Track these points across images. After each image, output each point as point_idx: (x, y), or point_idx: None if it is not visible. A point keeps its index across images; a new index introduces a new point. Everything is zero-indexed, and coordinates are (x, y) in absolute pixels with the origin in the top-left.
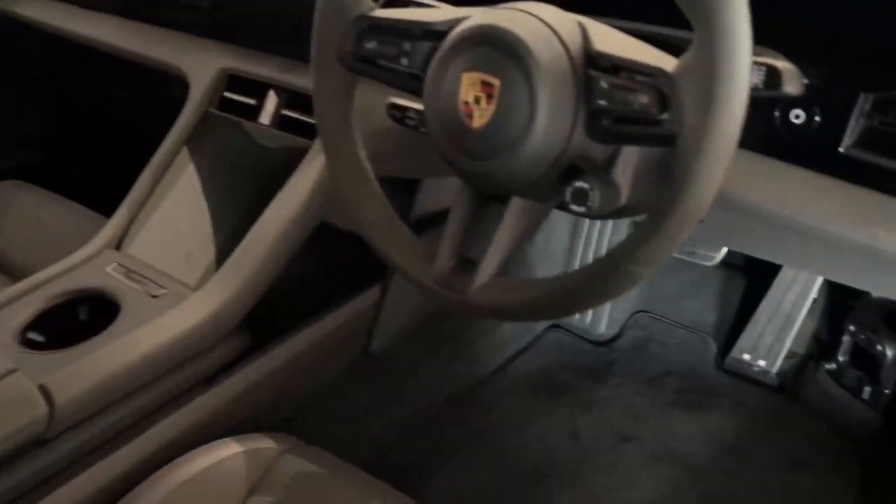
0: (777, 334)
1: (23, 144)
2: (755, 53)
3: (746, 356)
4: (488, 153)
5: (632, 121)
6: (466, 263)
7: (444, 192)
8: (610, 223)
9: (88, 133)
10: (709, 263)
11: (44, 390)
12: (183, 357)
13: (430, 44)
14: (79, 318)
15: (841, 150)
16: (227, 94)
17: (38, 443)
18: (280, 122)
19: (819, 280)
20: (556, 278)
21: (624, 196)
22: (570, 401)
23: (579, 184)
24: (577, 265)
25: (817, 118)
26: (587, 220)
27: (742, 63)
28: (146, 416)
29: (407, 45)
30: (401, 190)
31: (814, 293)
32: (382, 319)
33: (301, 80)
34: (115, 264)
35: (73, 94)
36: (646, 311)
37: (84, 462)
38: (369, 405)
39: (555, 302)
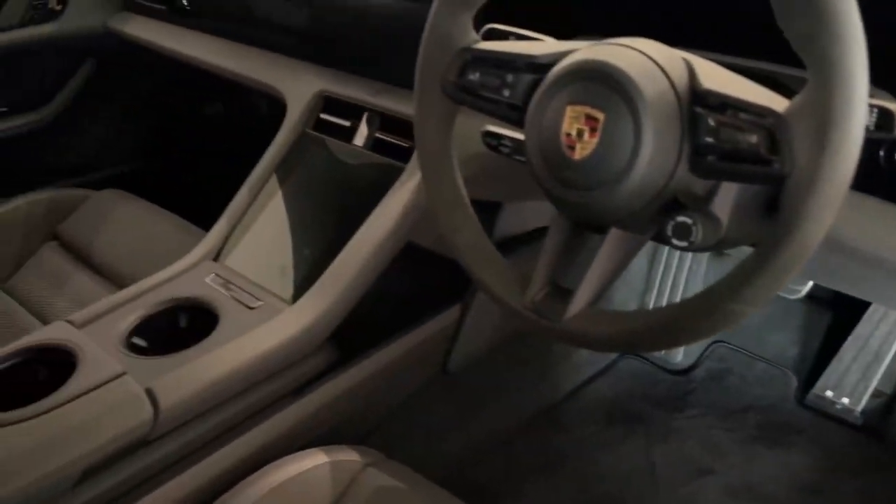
0: (863, 372)
1: (122, 156)
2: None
3: (829, 393)
4: (589, 185)
5: (739, 159)
6: (559, 291)
7: (526, 216)
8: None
9: (181, 146)
10: (793, 297)
11: (150, 394)
12: (276, 368)
13: (533, 76)
14: (179, 326)
15: None
16: (322, 116)
17: (141, 444)
18: (373, 144)
19: None
20: (655, 311)
21: (723, 230)
22: (646, 429)
23: (682, 218)
24: (655, 292)
25: None
26: (666, 247)
27: (858, 106)
28: (238, 424)
29: (510, 77)
30: (482, 213)
31: None
32: (462, 338)
33: (395, 104)
34: (213, 275)
35: (168, 109)
36: (724, 342)
37: (179, 465)
38: (447, 422)
39: (653, 336)
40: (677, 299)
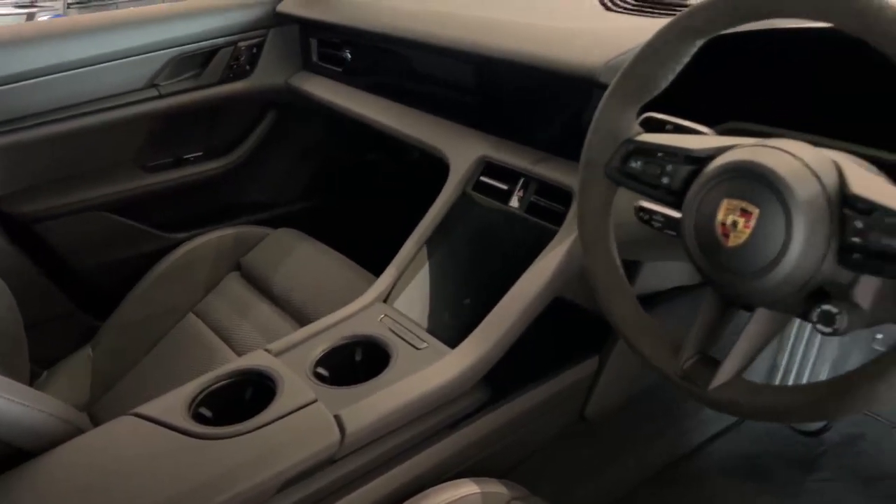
0: None
1: (292, 197)
2: None
3: None
4: (740, 270)
5: (886, 258)
6: (707, 360)
7: (664, 274)
8: None
9: (342, 189)
10: None
11: (338, 420)
12: (437, 404)
13: (691, 167)
14: (355, 359)
15: None
16: (481, 178)
17: (327, 463)
18: (528, 207)
19: None
20: (808, 388)
21: (867, 315)
22: (776, 489)
23: (827, 307)
24: (786, 358)
25: None
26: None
27: None
28: (403, 451)
29: (669, 167)
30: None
31: None
32: (599, 389)
33: (551, 172)
34: (384, 315)
35: (332, 156)
36: None
37: (353, 485)
38: (582, 467)
39: (807, 409)
40: (806, 372)
